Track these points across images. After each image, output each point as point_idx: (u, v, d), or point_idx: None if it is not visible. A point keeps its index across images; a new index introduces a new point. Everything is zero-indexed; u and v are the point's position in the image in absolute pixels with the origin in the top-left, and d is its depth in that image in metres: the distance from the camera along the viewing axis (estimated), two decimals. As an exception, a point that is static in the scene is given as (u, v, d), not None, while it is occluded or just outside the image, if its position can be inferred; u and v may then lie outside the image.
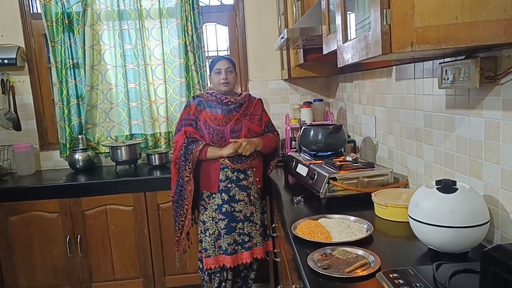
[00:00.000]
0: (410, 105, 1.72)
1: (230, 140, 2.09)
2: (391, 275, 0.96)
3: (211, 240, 2.18)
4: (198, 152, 2.01)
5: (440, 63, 1.35)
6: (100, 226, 2.75)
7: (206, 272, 2.25)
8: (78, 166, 3.03)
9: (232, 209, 2.15)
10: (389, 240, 1.39)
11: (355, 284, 1.07)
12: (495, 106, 1.15)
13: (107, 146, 3.07)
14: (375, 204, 1.58)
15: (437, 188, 1.17)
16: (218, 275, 2.24)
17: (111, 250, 2.78)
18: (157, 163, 3.03)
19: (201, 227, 2.22)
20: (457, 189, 1.15)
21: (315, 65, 2.75)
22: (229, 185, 2.14)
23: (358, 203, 1.72)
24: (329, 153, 2.19)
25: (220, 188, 2.14)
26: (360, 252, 1.22)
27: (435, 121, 1.52)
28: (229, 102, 2.08)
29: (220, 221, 2.14)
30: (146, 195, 2.73)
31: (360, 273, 1.09)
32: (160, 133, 3.16)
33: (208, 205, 2.17)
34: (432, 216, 1.14)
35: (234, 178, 2.13)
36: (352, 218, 1.50)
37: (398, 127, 1.86)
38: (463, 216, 1.11)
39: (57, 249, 2.74)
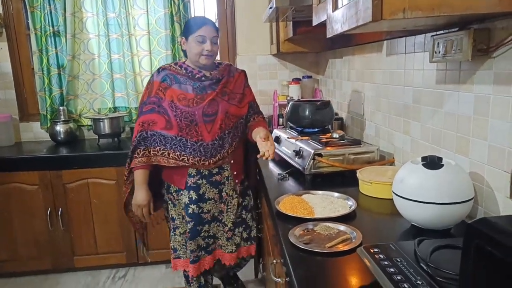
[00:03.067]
0: (400, 81, 1.68)
1: (260, 141, 1.61)
2: (371, 250, 0.93)
3: (182, 240, 1.86)
4: (132, 163, 1.70)
5: (432, 35, 1.30)
6: (82, 200, 2.69)
7: (183, 275, 1.96)
8: (59, 138, 2.94)
9: (199, 210, 1.79)
10: (372, 216, 1.37)
11: (335, 259, 1.05)
12: (486, 80, 1.12)
13: (90, 118, 2.98)
14: (359, 181, 1.56)
15: (422, 164, 1.15)
16: (195, 279, 1.89)
17: (94, 224, 2.74)
18: (141, 137, 2.96)
19: (170, 223, 1.89)
20: (442, 165, 1.13)
21: (305, 40, 2.68)
22: (200, 181, 1.77)
23: (343, 180, 1.70)
24: (316, 129, 2.15)
25: (188, 185, 1.76)
26: (342, 227, 1.20)
27: (424, 97, 1.48)
28: (203, 78, 1.69)
29: (187, 223, 1.81)
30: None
31: (341, 248, 1.07)
32: (144, 106, 3.07)
33: (177, 201, 1.82)
34: (417, 192, 1.12)
35: (206, 173, 1.77)
36: (336, 194, 1.47)
37: (386, 104, 1.82)
38: (448, 192, 1.09)
39: (38, 222, 2.68)
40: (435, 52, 1.29)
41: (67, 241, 2.72)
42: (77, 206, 2.69)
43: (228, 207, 1.86)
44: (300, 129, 2.15)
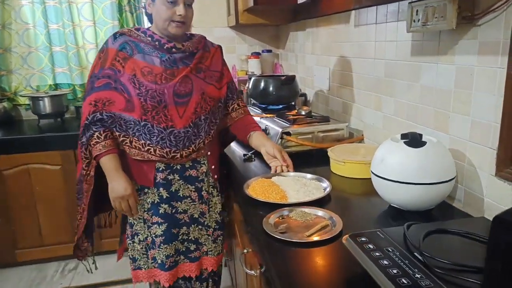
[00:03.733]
0: (370, 53, 1.59)
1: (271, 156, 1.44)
2: (359, 239, 0.84)
3: (141, 248, 1.51)
4: (93, 150, 1.33)
5: (410, 2, 1.20)
6: (23, 188, 2.41)
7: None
8: (-9, 120, 2.60)
9: (173, 210, 1.45)
10: (347, 198, 1.29)
11: (317, 249, 0.95)
12: (470, 50, 1.04)
13: (27, 96, 2.65)
14: (331, 160, 1.47)
15: (404, 142, 1.07)
16: None
17: (38, 214, 2.48)
18: (88, 117, 2.69)
19: (128, 230, 1.52)
20: (425, 143, 1.05)
21: (266, 11, 2.51)
22: (170, 177, 1.43)
23: (312, 159, 1.61)
24: (281, 106, 2.04)
25: (157, 181, 1.42)
26: (320, 213, 1.10)
27: (398, 70, 1.40)
28: (174, 49, 1.35)
29: (156, 225, 1.45)
30: (76, 153, 2.43)
31: (322, 236, 0.97)
32: (90, 83, 2.79)
33: (138, 203, 1.45)
34: (399, 173, 1.04)
35: (178, 168, 1.43)
36: (309, 175, 1.38)
37: (355, 79, 1.74)
38: (431, 172, 1.02)
39: (-29, 214, 2.38)
40: (413, 21, 1.20)
41: (7, 234, 2.45)
42: (17, 194, 2.41)
43: (210, 206, 1.53)
44: (263, 106, 2.02)
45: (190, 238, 1.51)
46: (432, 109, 1.22)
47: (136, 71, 1.31)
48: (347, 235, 0.87)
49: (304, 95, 2.35)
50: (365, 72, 1.63)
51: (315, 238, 0.98)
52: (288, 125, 1.65)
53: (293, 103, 2.08)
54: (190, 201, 1.47)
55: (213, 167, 1.51)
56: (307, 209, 1.12)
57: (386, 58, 1.46)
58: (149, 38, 1.35)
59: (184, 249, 1.52)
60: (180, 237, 1.49)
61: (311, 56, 2.29)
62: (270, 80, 1.97)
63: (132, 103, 1.31)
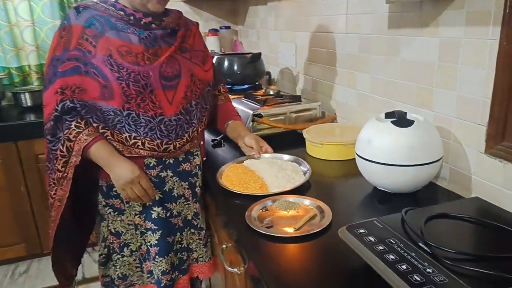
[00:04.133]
0: (341, 27, 1.51)
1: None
2: (357, 231, 0.77)
3: (134, 260, 1.26)
4: (77, 143, 1.08)
5: (390, -29, 1.12)
6: (-44, 188, 2.13)
7: None
8: None
9: (167, 214, 1.23)
10: (328, 182, 1.22)
11: (308, 243, 0.87)
12: (456, 21, 0.98)
13: (-47, 83, 2.32)
14: (307, 142, 1.39)
15: (392, 122, 1.00)
16: None
17: (-23, 215, 2.21)
18: (29, 104, 2.41)
19: (111, 242, 1.24)
20: (412, 121, 0.99)
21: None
22: (163, 174, 1.20)
23: (286, 142, 1.52)
24: (246, 86, 1.92)
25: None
26: (306, 202, 1.02)
27: (373, 44, 1.33)
28: (153, 24, 1.13)
29: (150, 232, 1.22)
30: (19, 145, 2.17)
31: (311, 229, 0.89)
32: (29, 66, 2.49)
33: (126, 207, 1.21)
34: (388, 155, 0.98)
35: (171, 161, 1.20)
36: (286, 157, 1.28)
37: (325, 55, 1.65)
38: (421, 152, 0.97)
39: None
40: (393, -9, 1.12)
41: None
42: (-50, 196, 2.13)
43: (201, 205, 1.33)
44: (228, 86, 1.89)
45: (183, 245, 1.29)
46: (414, 85, 1.16)
47: (111, 51, 1.07)
48: (343, 228, 0.79)
49: (269, 73, 2.25)
50: (336, 47, 1.55)
51: (305, 232, 0.89)
52: (258, 106, 1.54)
53: (258, 83, 1.97)
54: (184, 200, 1.26)
55: (204, 158, 1.33)
56: (291, 198, 1.04)
57: (361, 32, 1.39)
58: (121, 12, 1.11)
59: (177, 262, 1.30)
60: (174, 246, 1.26)
61: (274, 32, 2.18)
62: (235, 59, 1.84)
63: (110, 90, 1.08)
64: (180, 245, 1.28)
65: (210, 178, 1.25)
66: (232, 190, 1.10)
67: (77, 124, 1.08)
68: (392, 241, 0.73)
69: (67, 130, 1.08)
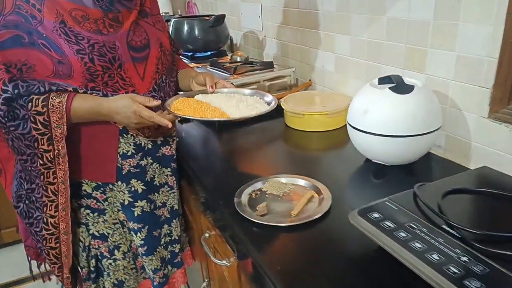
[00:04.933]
0: (315, -16, 1.37)
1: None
2: (370, 216, 0.68)
3: (129, 263, 1.12)
4: (54, 113, 0.87)
5: None
6: None
7: None
8: None
9: (152, 206, 1.08)
10: (314, 156, 1.13)
11: (311, 230, 0.77)
12: (457, -27, 0.88)
13: None
14: (286, 113, 1.27)
15: (389, 89, 0.91)
16: None
17: None
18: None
19: (97, 247, 1.08)
20: (412, 87, 0.90)
21: None
22: (143, 162, 1.04)
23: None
24: (209, 53, 1.74)
25: (124, 173, 1.02)
26: (300, 181, 0.91)
27: (354, 2, 1.21)
28: None
29: (132, 233, 1.09)
30: None
31: (312, 214, 0.79)
32: None
33: (107, 205, 1.05)
34: (388, 125, 0.88)
35: (150, 146, 1.05)
36: (247, 91, 1.08)
37: (296, 16, 1.51)
38: (422, 121, 0.88)
39: None
40: None
41: None
42: None
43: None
44: (189, 54, 1.71)
45: (172, 237, 1.15)
46: (403, 46, 1.07)
47: (63, 16, 0.86)
48: (354, 212, 0.70)
49: (230, 38, 2.07)
50: (310, 6, 1.42)
51: (305, 219, 0.79)
52: (228, 75, 1.39)
53: (222, 49, 1.80)
54: (168, 189, 1.11)
55: (177, 139, 1.14)
56: (283, 179, 0.92)
57: (339, -12, 1.26)
58: None
59: (169, 256, 1.17)
60: (162, 240, 1.13)
61: (234, -9, 1.98)
62: (195, 22, 1.65)
63: (67, 66, 0.87)
64: (169, 237, 1.14)
65: (180, 158, 1.12)
66: (188, 117, 0.92)
67: (41, 99, 0.87)
68: (413, 226, 0.65)
69: (30, 104, 0.86)
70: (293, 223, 0.77)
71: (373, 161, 0.99)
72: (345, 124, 1.22)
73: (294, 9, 1.52)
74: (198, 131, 1.34)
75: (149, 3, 1.03)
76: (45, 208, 0.96)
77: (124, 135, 1.00)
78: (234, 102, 0.97)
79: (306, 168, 1.02)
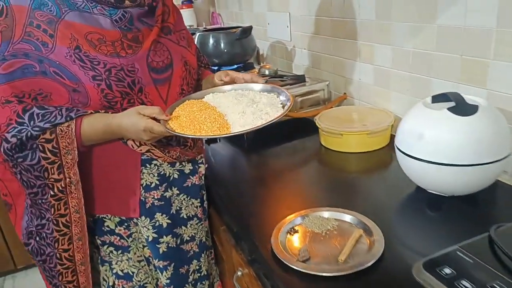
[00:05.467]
0: (350, -10, 1.26)
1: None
2: (440, 271, 0.56)
3: None
4: (63, 138, 0.80)
5: None
6: None
7: None
8: None
9: (178, 241, 0.99)
10: (355, 182, 1.01)
11: (362, 280, 0.65)
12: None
13: None
14: (322, 132, 1.16)
15: (448, 109, 0.78)
16: None
17: None
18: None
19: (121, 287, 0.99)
20: (476, 107, 0.78)
21: None
22: (167, 193, 0.96)
23: (292, 132, 1.29)
24: (235, 66, 1.66)
25: (148, 206, 0.93)
26: (346, 217, 0.80)
27: (397, 9, 1.09)
28: (126, 0, 0.84)
29: (159, 270, 0.99)
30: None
31: (361, 261, 0.68)
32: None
33: (131, 241, 0.96)
34: (449, 152, 0.76)
35: (176, 175, 0.97)
36: (258, 86, 0.93)
37: (329, 25, 1.40)
38: (488, 148, 0.75)
39: None
40: None
41: None
42: None
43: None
44: (215, 68, 1.63)
45: (202, 273, 1.05)
46: (458, 58, 0.94)
47: (78, 40, 0.79)
48: (419, 264, 0.58)
49: (257, 49, 1.98)
50: (345, 15, 1.30)
51: (356, 267, 0.68)
52: (257, 91, 1.29)
53: (248, 61, 1.71)
54: (197, 221, 1.01)
55: (206, 165, 1.07)
56: (325, 213, 0.81)
57: (378, -6, 1.14)
58: None
59: None
60: (191, 277, 1.02)
61: (260, 0, 1.89)
62: (221, 36, 1.56)
63: (83, 94, 0.81)
64: (199, 274, 1.04)
65: (207, 182, 1.03)
66: (178, 134, 0.78)
67: (52, 119, 0.79)
68: (497, 286, 0.53)
69: (38, 133, 0.78)
70: (342, 273, 0.66)
71: (428, 190, 0.86)
72: (388, 144, 1.11)
73: (326, 18, 1.41)
74: (226, 150, 1.25)
75: (173, 19, 0.95)
76: (56, 244, 0.88)
77: (147, 165, 0.92)
78: (242, 106, 0.84)
79: (348, 197, 0.91)
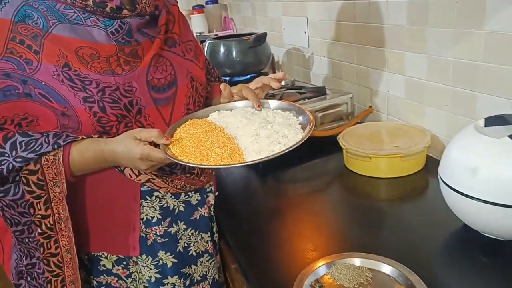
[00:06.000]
0: (377, -8, 1.12)
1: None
2: None
3: None
4: (50, 169, 0.69)
5: None
6: None
7: None
8: None
9: (187, 282, 0.86)
10: (391, 216, 0.86)
11: None
12: None
13: None
14: (346, 154, 1.03)
15: (509, 136, 0.64)
16: None
17: None
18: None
19: None
20: (543, 133, 0.63)
21: None
22: (171, 229, 0.83)
23: (313, 152, 1.15)
24: (249, 76, 1.53)
25: (149, 244, 0.82)
26: (383, 267, 0.66)
27: (434, 13, 0.95)
28: (124, 9, 0.71)
29: None
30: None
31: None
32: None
33: (130, 282, 0.84)
34: (508, 190, 0.62)
35: (182, 209, 0.84)
36: (273, 103, 0.81)
37: (352, 30, 1.26)
38: (562, 182, 0.61)
39: None
40: None
41: None
42: None
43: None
44: (226, 78, 1.51)
45: None
46: (506, 69, 0.79)
47: (67, 57, 0.68)
48: None
49: (271, 56, 1.85)
50: (370, 19, 1.17)
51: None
52: (272, 106, 1.16)
53: (263, 71, 1.58)
54: (208, 257, 0.89)
55: (216, 193, 0.95)
56: (356, 260, 0.68)
57: (411, -4, 1.00)
58: None
59: None
60: None
61: (275, 3, 1.76)
62: (232, 44, 1.44)
63: (73, 118, 0.70)
64: None
65: (217, 212, 0.91)
66: (181, 162, 0.66)
67: (36, 148, 0.68)
68: None
69: (21, 164, 0.67)
70: None
71: (482, 233, 0.72)
72: (423, 168, 0.97)
73: (349, 23, 1.27)
74: (237, 173, 1.12)
75: (178, 28, 0.84)
76: (49, 285, 0.77)
77: (148, 197, 0.80)
78: (254, 127, 0.72)
79: (380, 234, 0.78)
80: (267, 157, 0.65)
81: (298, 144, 0.67)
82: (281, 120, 0.76)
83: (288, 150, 0.66)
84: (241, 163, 0.66)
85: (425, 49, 0.99)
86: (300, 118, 0.78)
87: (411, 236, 0.77)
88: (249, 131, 0.72)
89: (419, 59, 1.02)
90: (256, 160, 0.65)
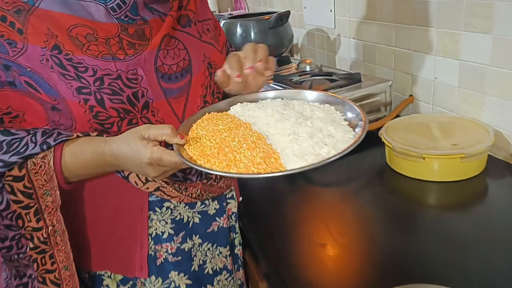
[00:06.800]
0: (426, -40, 0.94)
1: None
2: None
3: None
4: (38, 177, 0.54)
5: None
6: None
7: None
8: None
9: None
10: (453, 231, 0.71)
11: None
12: None
13: None
14: (390, 152, 0.87)
15: None
16: None
17: None
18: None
19: None
20: None
21: None
22: (185, 245, 0.69)
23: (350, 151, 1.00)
24: (268, 60, 1.36)
25: (159, 263, 0.68)
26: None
27: (506, -18, 0.78)
28: None
29: None
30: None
31: None
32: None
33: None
34: None
35: (197, 221, 0.71)
36: (311, 94, 0.66)
37: (391, 7, 1.09)
38: None
39: None
40: None
41: None
42: None
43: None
44: (243, 63, 1.34)
45: None
46: None
47: (57, 37, 0.54)
48: None
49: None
50: (415, -7, 1.00)
51: None
52: (301, 96, 1.00)
53: (284, 55, 1.42)
54: (227, 275, 0.76)
55: (241, 198, 0.81)
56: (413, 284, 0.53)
57: (474, -38, 0.83)
58: None
59: None
60: None
61: (295, -21, 1.59)
62: (251, 24, 1.27)
63: (65, 113, 0.56)
64: None
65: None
66: (200, 169, 0.50)
67: (16, 145, 0.54)
68: None
69: (2, 169, 0.54)
70: None
71: None
72: (484, 170, 0.82)
73: (387, -2, 1.10)
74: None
75: (194, 4, 0.69)
76: None
77: (157, 208, 0.67)
78: (290, 123, 0.56)
79: (442, 257, 0.63)
80: (316, 163, 0.49)
81: (353, 147, 0.52)
82: (322, 115, 0.60)
83: (343, 153, 0.51)
84: (282, 172, 0.51)
85: (490, 27, 0.83)
86: (347, 114, 0.62)
87: (486, 260, 0.62)
88: (284, 128, 0.56)
89: (481, 40, 0.86)
90: (303, 167, 0.49)
